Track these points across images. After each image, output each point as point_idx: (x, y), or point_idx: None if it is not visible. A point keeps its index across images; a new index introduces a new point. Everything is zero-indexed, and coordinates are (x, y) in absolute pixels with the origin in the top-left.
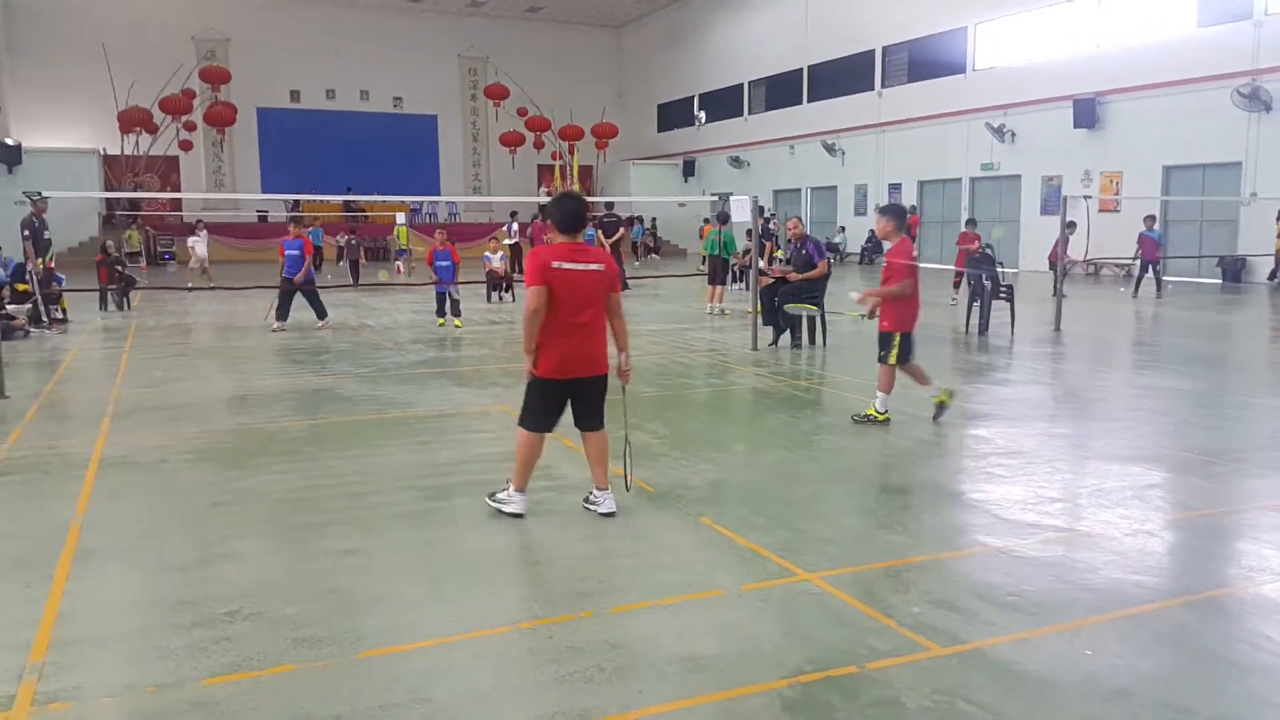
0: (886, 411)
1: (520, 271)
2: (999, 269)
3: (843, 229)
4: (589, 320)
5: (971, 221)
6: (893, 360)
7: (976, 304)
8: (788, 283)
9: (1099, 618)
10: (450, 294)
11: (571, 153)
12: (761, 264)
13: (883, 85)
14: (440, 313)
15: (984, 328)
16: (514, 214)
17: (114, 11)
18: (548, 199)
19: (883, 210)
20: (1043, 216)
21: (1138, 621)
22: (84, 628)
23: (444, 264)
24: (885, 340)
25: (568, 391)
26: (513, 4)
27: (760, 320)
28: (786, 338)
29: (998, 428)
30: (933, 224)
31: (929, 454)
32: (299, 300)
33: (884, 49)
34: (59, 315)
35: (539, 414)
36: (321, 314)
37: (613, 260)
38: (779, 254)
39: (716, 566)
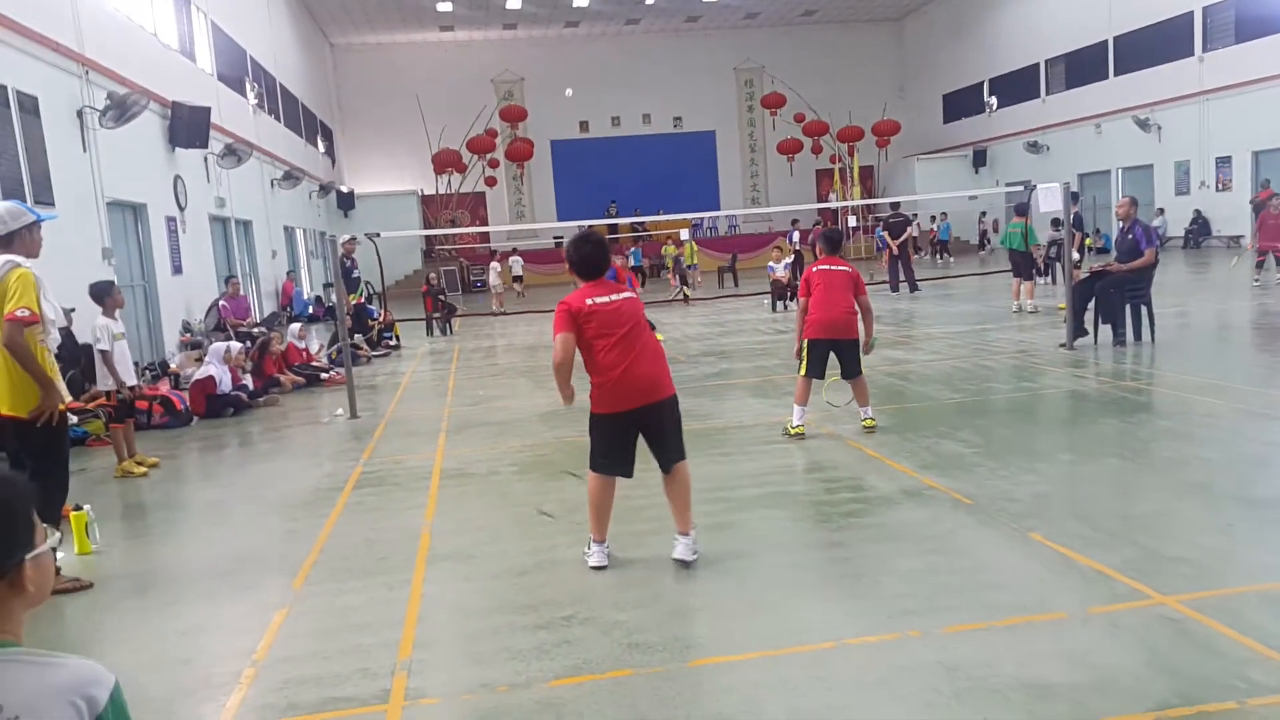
0: (800, 425)
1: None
2: None
3: (1161, 211)
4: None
5: None
6: (802, 372)
7: None
8: (1108, 275)
9: None
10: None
11: (851, 154)
12: (1075, 256)
13: (1204, 49)
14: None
15: None
16: (795, 222)
17: (424, 65)
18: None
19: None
20: None
21: None
22: (442, 628)
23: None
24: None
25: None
26: (788, 10)
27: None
28: (1106, 335)
29: None
30: None
31: None
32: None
33: (1204, 9)
34: (393, 342)
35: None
36: None
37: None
38: (1090, 242)
39: (1054, 586)
